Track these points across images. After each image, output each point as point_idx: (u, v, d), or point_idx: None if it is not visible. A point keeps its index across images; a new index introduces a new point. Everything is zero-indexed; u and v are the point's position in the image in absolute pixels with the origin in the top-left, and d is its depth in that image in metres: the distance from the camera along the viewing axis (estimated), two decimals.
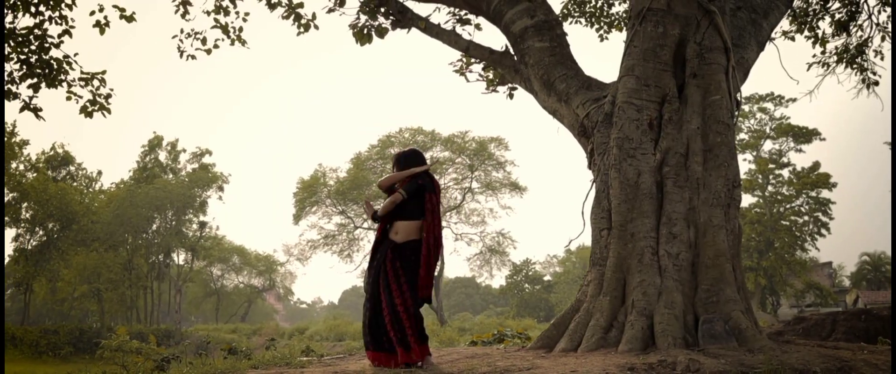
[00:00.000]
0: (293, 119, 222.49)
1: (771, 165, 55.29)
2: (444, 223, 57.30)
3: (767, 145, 57.24)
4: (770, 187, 55.68)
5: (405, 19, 10.07)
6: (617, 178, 8.12)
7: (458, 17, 10.50)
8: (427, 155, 58.44)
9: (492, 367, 6.68)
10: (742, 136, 58.01)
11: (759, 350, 6.95)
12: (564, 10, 16.32)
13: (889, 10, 14.63)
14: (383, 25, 9.90)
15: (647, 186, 8.05)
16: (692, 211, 8.02)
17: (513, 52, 9.81)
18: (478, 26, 10.58)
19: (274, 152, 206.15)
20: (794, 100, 55.27)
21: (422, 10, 10.44)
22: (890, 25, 14.70)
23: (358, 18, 9.89)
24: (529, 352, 8.05)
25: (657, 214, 8.01)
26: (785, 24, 15.84)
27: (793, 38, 15.96)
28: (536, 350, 8.10)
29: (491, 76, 11.34)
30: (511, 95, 11.28)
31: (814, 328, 12.27)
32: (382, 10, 9.91)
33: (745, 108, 57.96)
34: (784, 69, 10.30)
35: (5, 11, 13.04)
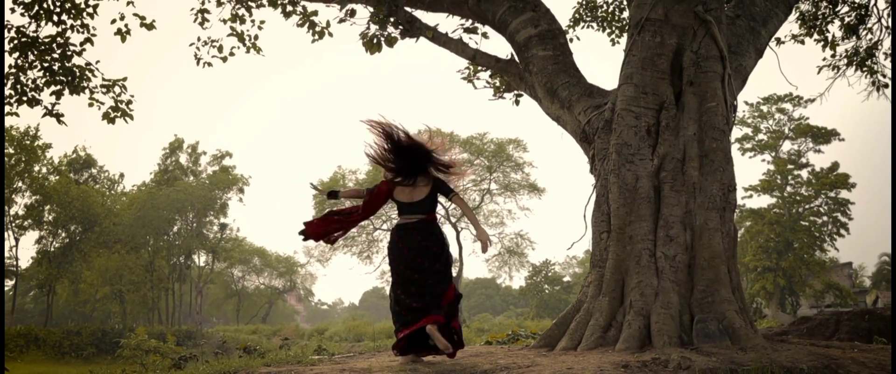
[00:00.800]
0: (312, 121, 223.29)
1: (790, 166, 55.26)
2: (462, 225, 57.91)
3: (786, 146, 57.18)
4: (789, 188, 55.67)
5: (413, 29, 10.40)
6: (616, 182, 8.42)
7: (465, 27, 10.81)
8: (445, 157, 58.73)
9: (494, 364, 6.98)
10: (761, 136, 57.98)
11: (752, 349, 7.23)
12: (576, 15, 16.56)
13: None
14: (393, 35, 10.23)
15: (645, 190, 8.34)
16: (688, 215, 8.31)
17: (518, 61, 10.12)
18: (485, 35, 10.88)
19: (294, 154, 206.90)
20: (812, 100, 55.30)
21: (430, 19, 10.74)
22: None
23: (368, 28, 10.22)
24: (532, 350, 8.35)
25: (655, 217, 8.30)
26: (795, 27, 16.03)
27: (802, 42, 16.12)
28: (539, 349, 8.41)
29: (498, 83, 11.66)
30: (517, 102, 11.59)
31: (818, 328, 12.48)
32: (392, 20, 10.24)
33: (764, 108, 57.94)
34: (783, 75, 10.56)
35: (29, 21, 13.42)
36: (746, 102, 58.05)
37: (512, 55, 10.25)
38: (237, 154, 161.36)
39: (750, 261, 55.48)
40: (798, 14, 15.79)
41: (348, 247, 60.62)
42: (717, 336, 7.58)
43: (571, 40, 16.39)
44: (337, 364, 7.50)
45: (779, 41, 16.26)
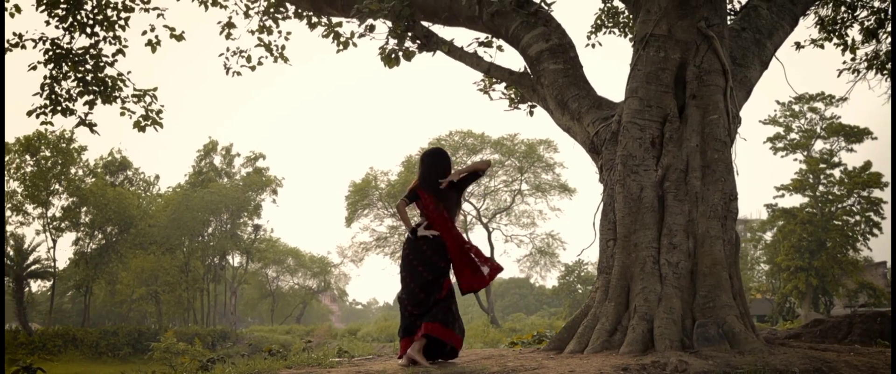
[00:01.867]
0: (344, 122, 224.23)
1: (822, 165, 55.10)
2: (493, 225, 58.23)
3: (818, 145, 57.00)
4: (821, 187, 55.52)
5: (430, 43, 10.79)
6: (621, 192, 8.78)
7: (480, 41, 11.17)
8: (478, 157, 59.12)
9: (502, 367, 7.33)
10: (793, 135, 57.82)
11: (750, 352, 7.55)
12: (598, 21, 16.83)
13: None
14: (411, 49, 10.62)
15: (649, 200, 8.69)
16: (691, 223, 8.64)
17: (530, 74, 10.48)
18: (500, 48, 11.24)
19: (326, 156, 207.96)
20: (844, 99, 55.12)
21: (445, 33, 11.11)
22: None
23: (387, 43, 10.60)
24: (541, 353, 8.72)
25: (658, 226, 8.64)
26: (814, 32, 16.18)
27: (822, 46, 16.26)
28: (548, 352, 8.77)
29: (513, 95, 12.03)
30: (531, 113, 11.94)
31: (831, 330, 12.66)
32: (409, 35, 10.63)
33: (795, 108, 57.77)
34: (789, 84, 10.87)
35: (63, 33, 13.90)
36: (778, 102, 57.97)
37: (525, 68, 10.61)
38: (270, 156, 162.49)
39: (782, 261, 55.43)
40: (817, 19, 15.96)
41: (380, 248, 61.12)
42: (716, 340, 7.91)
43: (593, 46, 16.69)
44: (354, 367, 7.88)
45: (798, 46, 16.48)
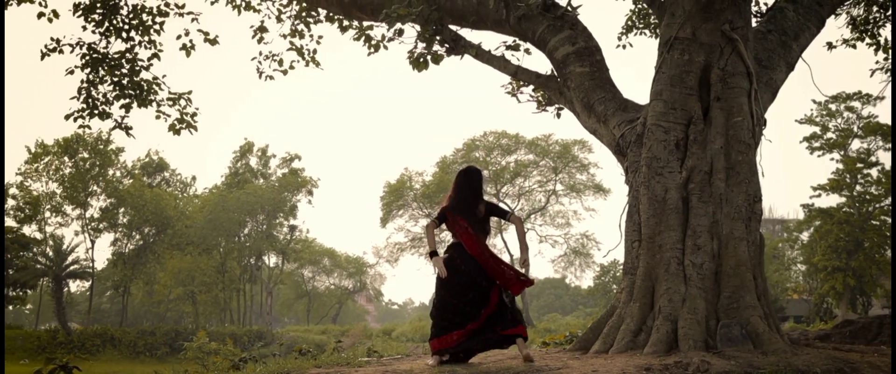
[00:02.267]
0: (379, 123, 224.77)
1: (859, 165, 54.58)
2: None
3: (855, 144, 56.48)
4: (858, 187, 54.99)
5: (458, 47, 10.91)
6: (646, 194, 8.88)
7: (507, 44, 11.28)
8: (511, 158, 59.27)
9: (527, 367, 7.45)
10: (829, 135, 57.35)
11: (772, 353, 7.62)
12: (629, 22, 16.87)
13: None
14: (439, 53, 10.74)
15: (673, 201, 8.77)
16: (715, 224, 8.73)
17: (557, 76, 10.59)
18: (527, 51, 11.33)
19: (361, 156, 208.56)
20: (881, 98, 54.54)
21: (473, 37, 11.24)
22: None
23: (415, 46, 10.73)
24: (567, 353, 8.83)
25: (683, 227, 8.73)
26: (846, 32, 16.16)
27: (854, 46, 16.22)
28: (574, 352, 8.88)
29: (540, 97, 12.14)
30: (558, 115, 12.05)
31: (860, 331, 12.65)
32: (438, 38, 10.76)
33: (832, 107, 57.28)
34: (816, 86, 10.89)
35: (100, 38, 14.15)
36: (814, 101, 57.58)
37: (552, 71, 10.72)
38: (306, 156, 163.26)
39: (819, 261, 54.99)
40: (849, 19, 15.92)
41: (415, 248, 61.33)
42: (740, 341, 7.99)
43: (624, 47, 16.74)
44: (381, 366, 8.02)
45: (830, 46, 16.44)
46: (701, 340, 8.04)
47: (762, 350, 7.78)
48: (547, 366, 7.47)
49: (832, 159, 56.71)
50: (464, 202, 7.97)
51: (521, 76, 11.05)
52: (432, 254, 7.87)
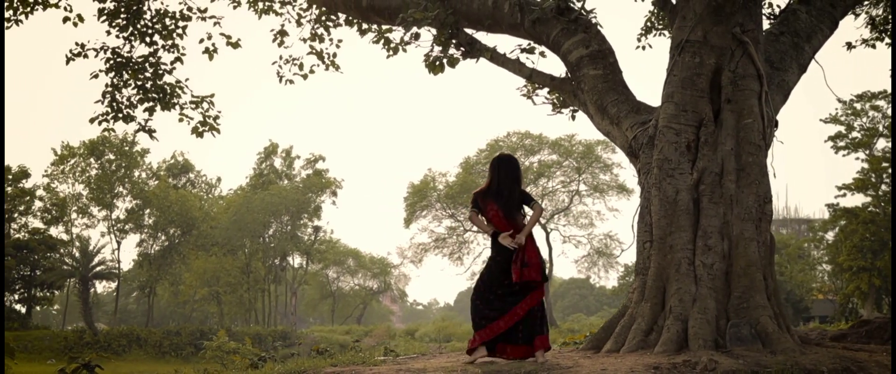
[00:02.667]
0: (402, 124, 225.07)
1: (884, 164, 54.28)
2: (551, 226, 58.32)
3: (880, 143, 56.18)
4: (884, 186, 54.68)
5: (474, 50, 11.06)
6: (657, 195, 9.00)
7: (522, 48, 11.40)
8: (535, 159, 59.29)
9: (538, 365, 7.58)
10: (855, 134, 57.07)
11: (782, 352, 7.72)
12: (648, 24, 16.91)
13: None
14: (455, 56, 10.90)
15: (684, 202, 8.89)
16: (726, 225, 8.84)
17: (571, 79, 10.72)
18: (542, 54, 11.43)
19: (385, 157, 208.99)
20: None
21: (489, 40, 11.39)
22: None
23: (432, 50, 10.89)
24: (578, 352, 8.96)
25: (694, 228, 8.85)
26: (866, 32, 16.15)
27: (874, 46, 16.20)
28: (586, 351, 9.01)
29: (555, 100, 12.26)
30: (573, 117, 12.16)
31: (876, 331, 12.70)
32: (454, 42, 10.91)
33: (857, 106, 57.00)
34: (829, 88, 10.91)
35: (123, 43, 14.36)
36: (840, 100, 57.34)
37: (566, 74, 10.84)
38: (330, 157, 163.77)
39: (844, 261, 54.72)
40: (868, 18, 15.92)
41: (439, 248, 61.45)
42: (749, 340, 8.10)
43: (643, 49, 16.80)
44: (396, 365, 8.19)
45: (850, 46, 16.44)
46: (711, 339, 8.15)
47: (771, 350, 7.88)
48: (558, 365, 7.60)
49: (857, 159, 56.45)
50: (498, 187, 8.10)
51: (535, 79, 11.19)
52: (495, 234, 8.02)
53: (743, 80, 9.28)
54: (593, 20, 10.87)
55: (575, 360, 8.01)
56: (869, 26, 15.95)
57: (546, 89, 12.10)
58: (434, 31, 10.95)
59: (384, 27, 13.48)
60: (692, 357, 7.47)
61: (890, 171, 52.25)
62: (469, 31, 11.35)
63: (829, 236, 63.25)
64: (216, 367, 12.39)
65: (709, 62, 9.31)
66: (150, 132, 14.49)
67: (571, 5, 10.75)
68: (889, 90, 55.43)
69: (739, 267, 8.65)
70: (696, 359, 7.34)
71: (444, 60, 10.80)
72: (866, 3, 15.01)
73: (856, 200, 59.04)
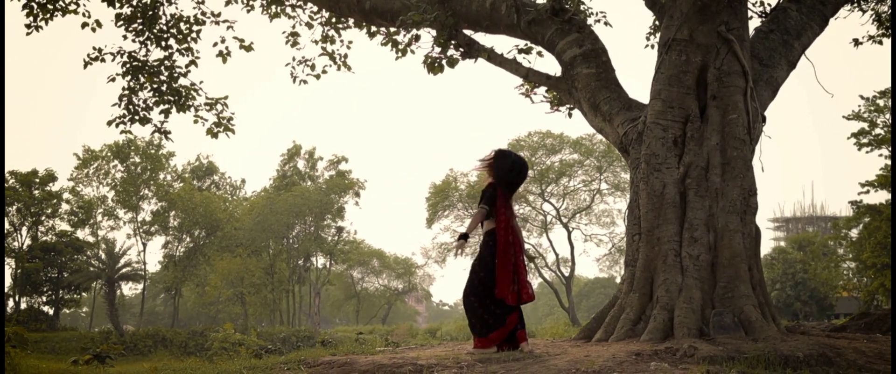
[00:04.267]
0: (424, 124, 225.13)
1: None
2: (573, 225, 58.47)
3: None
4: None
5: (472, 50, 11.38)
6: (645, 189, 9.30)
7: (519, 48, 11.71)
8: (556, 158, 59.44)
9: (527, 354, 7.87)
10: (878, 131, 56.80)
11: (763, 340, 8.00)
12: (656, 23, 17.09)
13: None
14: (454, 57, 11.23)
15: (671, 196, 9.18)
16: (711, 218, 9.12)
17: (565, 77, 11.01)
18: (539, 54, 11.75)
19: (407, 158, 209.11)
20: None
21: (487, 41, 11.71)
22: None
23: (432, 50, 11.22)
24: (569, 341, 9.28)
25: (680, 220, 9.14)
26: (873, 29, 16.26)
27: (880, 42, 16.31)
28: (577, 340, 9.33)
29: (552, 99, 12.55)
30: (570, 115, 12.43)
31: (876, 323, 12.95)
32: (453, 43, 11.24)
33: (880, 103, 56.72)
34: (820, 84, 11.14)
35: (139, 47, 14.74)
36: (862, 96, 57.07)
37: (561, 73, 11.14)
38: (353, 158, 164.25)
39: (867, 258, 54.44)
40: (874, 15, 16.03)
41: (462, 249, 61.48)
42: (731, 328, 8.38)
43: (652, 47, 17.01)
44: (392, 353, 8.51)
45: (857, 43, 16.56)
46: (696, 328, 8.44)
47: (753, 337, 8.16)
48: (547, 353, 7.91)
49: (881, 155, 56.13)
50: (509, 178, 8.37)
51: (532, 78, 11.49)
52: (464, 236, 8.27)
53: (728, 77, 9.56)
54: (598, 21, 11.20)
55: (564, 348, 8.31)
56: (875, 23, 16.06)
57: (544, 88, 12.39)
58: (434, 32, 11.27)
59: (393, 29, 13.80)
60: (674, 345, 7.74)
61: None
62: (467, 32, 11.67)
63: (853, 233, 62.96)
64: (223, 356, 12.75)
65: (695, 60, 9.60)
66: (165, 133, 14.87)
67: (566, 6, 11.04)
68: (889, 90, 55.17)
69: (725, 258, 8.93)
70: (678, 346, 7.62)
71: (444, 61, 11.12)
72: (867, 2, 15.14)
73: (879, 196, 58.80)
